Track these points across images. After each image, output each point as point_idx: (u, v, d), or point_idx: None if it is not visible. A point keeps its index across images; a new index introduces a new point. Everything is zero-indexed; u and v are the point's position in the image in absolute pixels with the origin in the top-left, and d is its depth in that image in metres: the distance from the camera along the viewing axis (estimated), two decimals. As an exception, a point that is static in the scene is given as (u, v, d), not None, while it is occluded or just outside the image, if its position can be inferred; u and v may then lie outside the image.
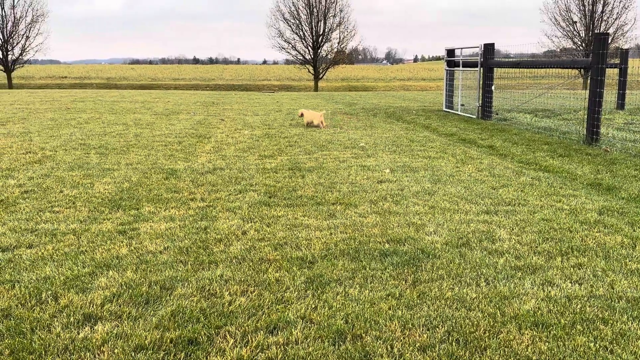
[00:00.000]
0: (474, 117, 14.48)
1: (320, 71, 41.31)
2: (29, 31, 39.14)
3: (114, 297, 3.24)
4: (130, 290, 3.33)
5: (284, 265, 3.78)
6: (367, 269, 3.72)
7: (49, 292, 3.30)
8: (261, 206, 5.39)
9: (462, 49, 15.62)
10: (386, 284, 3.48)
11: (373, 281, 3.52)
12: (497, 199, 5.66)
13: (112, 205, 5.36)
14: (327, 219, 4.92)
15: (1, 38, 38.61)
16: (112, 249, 4.09)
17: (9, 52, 39.17)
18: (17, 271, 3.64)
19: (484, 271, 3.69)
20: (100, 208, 5.23)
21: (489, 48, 13.95)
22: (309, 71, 41.52)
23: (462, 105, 16.15)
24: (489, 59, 13.88)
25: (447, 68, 16.86)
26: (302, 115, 12.67)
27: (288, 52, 41.12)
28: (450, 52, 16.75)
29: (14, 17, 38.56)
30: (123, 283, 3.45)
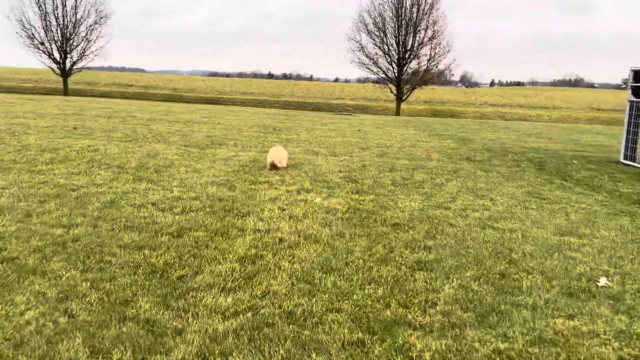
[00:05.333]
0: None
1: (405, 92, 35.58)
2: (90, 34, 36.23)
3: None
4: None
5: None
6: None
7: None
8: None
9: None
10: None
11: None
12: None
13: None
14: None
15: (59, 39, 35.87)
16: None
17: (67, 56, 36.40)
18: None
19: None
20: None
21: None
22: (391, 91, 35.89)
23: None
24: None
25: (634, 98, 10.82)
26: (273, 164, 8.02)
27: (369, 69, 35.74)
28: (639, 74, 10.74)
29: (76, 17, 35.75)
30: None
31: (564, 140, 16.00)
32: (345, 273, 3.82)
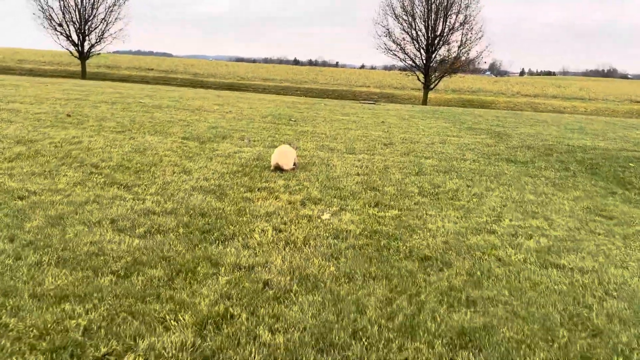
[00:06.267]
0: None
1: (433, 80, 33.76)
2: (109, 15, 35.29)
3: None
4: None
5: None
6: None
7: None
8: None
9: None
10: None
11: None
12: None
13: None
14: None
15: (78, 21, 35.02)
16: None
17: (86, 38, 35.56)
18: None
19: None
20: None
21: None
22: (419, 79, 34.11)
23: None
24: None
25: None
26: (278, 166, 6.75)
27: (395, 55, 33.98)
28: None
29: (94, -3, 34.78)
30: None
31: (612, 137, 14.33)
32: (351, 354, 2.55)
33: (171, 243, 3.88)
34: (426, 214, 5.13)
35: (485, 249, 4.21)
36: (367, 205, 5.34)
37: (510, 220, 5.13)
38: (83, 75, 35.94)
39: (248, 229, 4.34)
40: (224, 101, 17.96)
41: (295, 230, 4.41)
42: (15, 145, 7.16)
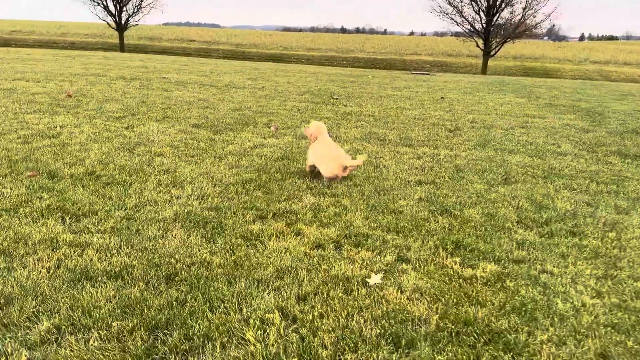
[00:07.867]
0: None
1: (493, 46, 30.47)
2: (145, -17, 33.69)
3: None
4: None
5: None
6: None
7: None
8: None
9: None
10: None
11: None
12: None
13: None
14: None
15: (114, -10, 33.70)
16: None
17: (123, 8, 34.20)
18: None
19: None
20: None
21: None
22: (477, 45, 30.92)
23: None
24: None
25: None
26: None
27: (452, 19, 30.81)
28: None
29: (131, -34, 33.27)
30: None
31: None
32: None
33: (81, 367, 2.03)
34: (544, 272, 3.08)
35: (688, 377, 2.15)
36: (440, 249, 3.34)
37: (691, 285, 3.00)
38: (121, 47, 34.80)
39: (238, 318, 2.45)
40: (259, 75, 16.05)
41: (321, 316, 2.48)
42: (-31, 142, 5.52)
